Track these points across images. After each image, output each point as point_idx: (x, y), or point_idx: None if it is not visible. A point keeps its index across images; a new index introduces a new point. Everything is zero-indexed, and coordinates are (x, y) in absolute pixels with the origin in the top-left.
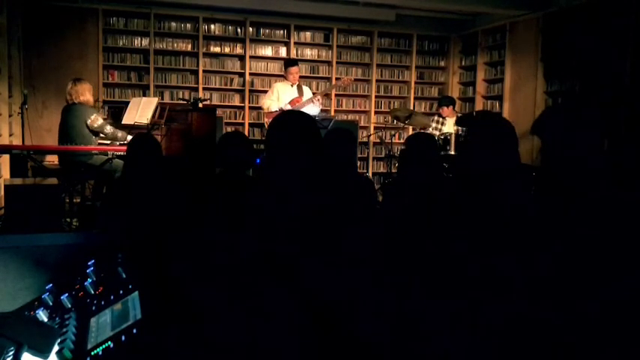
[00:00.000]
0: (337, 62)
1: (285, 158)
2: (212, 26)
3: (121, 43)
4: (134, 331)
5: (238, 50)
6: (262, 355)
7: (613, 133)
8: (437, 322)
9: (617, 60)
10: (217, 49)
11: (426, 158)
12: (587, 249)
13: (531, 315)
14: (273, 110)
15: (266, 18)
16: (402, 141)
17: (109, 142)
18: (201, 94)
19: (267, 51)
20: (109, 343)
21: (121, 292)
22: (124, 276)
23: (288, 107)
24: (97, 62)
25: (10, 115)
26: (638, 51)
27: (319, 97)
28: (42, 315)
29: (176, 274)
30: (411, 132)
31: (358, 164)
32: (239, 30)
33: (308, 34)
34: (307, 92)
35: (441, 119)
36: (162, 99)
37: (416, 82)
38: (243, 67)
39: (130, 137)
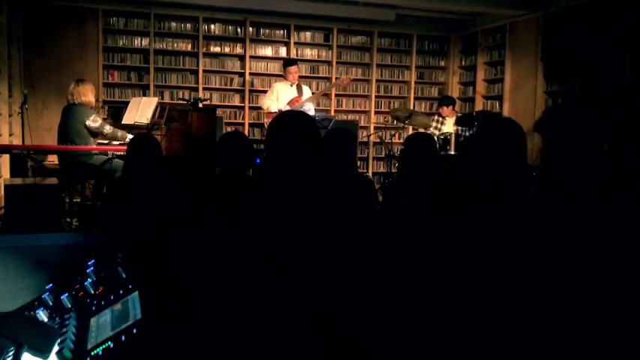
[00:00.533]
0: (337, 62)
1: (285, 158)
2: (212, 26)
3: (121, 43)
4: (134, 331)
5: (238, 50)
6: (262, 355)
7: (613, 133)
8: (437, 322)
9: (617, 60)
10: (217, 49)
11: (425, 158)
12: (587, 249)
13: (531, 315)
14: (272, 110)
15: (266, 18)
16: (402, 141)
17: (108, 142)
18: (201, 94)
19: (267, 51)
20: (109, 343)
21: (121, 292)
22: (124, 276)
23: (288, 108)
24: (97, 62)
25: (10, 115)
26: (638, 51)
27: (316, 98)
28: (42, 315)
29: (176, 274)
30: (411, 132)
31: (358, 164)
32: (239, 30)
33: (308, 34)
34: (307, 92)
35: (441, 119)
36: (162, 99)
37: (416, 82)
38: (243, 67)
39: (130, 137)
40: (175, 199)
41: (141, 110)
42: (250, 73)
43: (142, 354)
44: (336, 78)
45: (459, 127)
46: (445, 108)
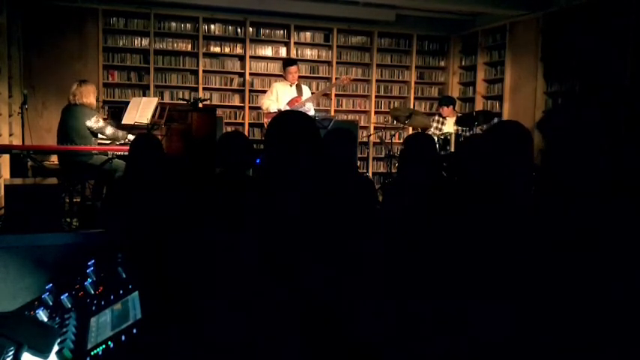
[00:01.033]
0: (337, 62)
1: (285, 158)
2: (212, 26)
3: (121, 43)
4: (134, 331)
5: (238, 50)
6: (262, 355)
7: (613, 133)
8: (437, 322)
9: (617, 60)
10: (217, 49)
11: (425, 158)
12: (587, 249)
13: (531, 315)
14: (272, 110)
15: (266, 18)
16: (402, 141)
17: (109, 142)
18: (201, 94)
19: (267, 51)
20: (109, 343)
21: (121, 292)
22: (124, 276)
23: (287, 108)
24: (97, 62)
25: (10, 115)
26: (638, 51)
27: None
28: (42, 315)
29: (176, 274)
30: (411, 132)
31: (358, 164)
32: (239, 30)
33: (308, 34)
34: (307, 92)
35: (441, 119)
36: (163, 99)
37: (416, 82)
38: (243, 67)
39: (130, 137)
40: (175, 199)
41: (141, 110)
42: (250, 73)
43: (142, 354)
44: (336, 78)
45: (459, 127)
46: (445, 108)
